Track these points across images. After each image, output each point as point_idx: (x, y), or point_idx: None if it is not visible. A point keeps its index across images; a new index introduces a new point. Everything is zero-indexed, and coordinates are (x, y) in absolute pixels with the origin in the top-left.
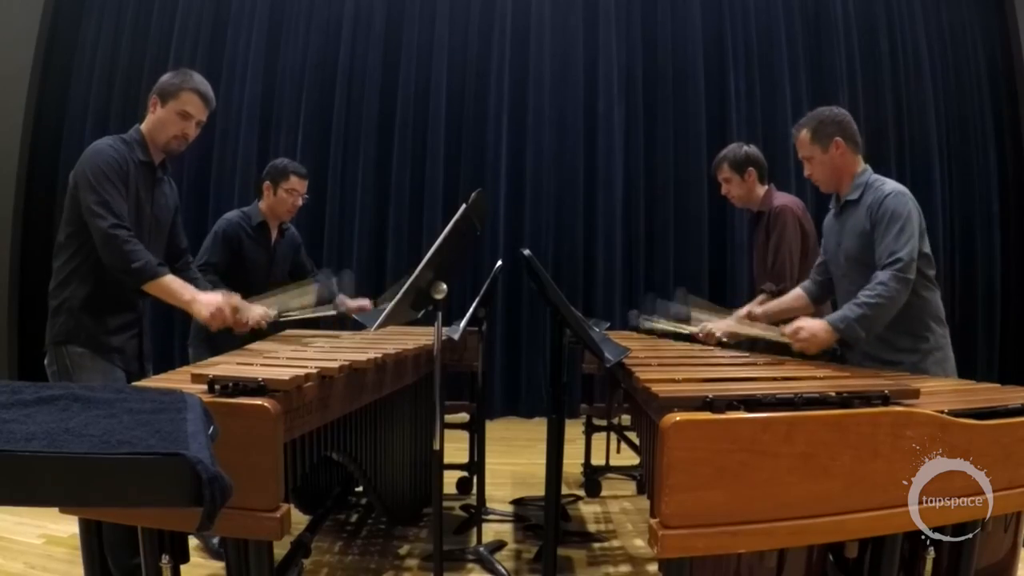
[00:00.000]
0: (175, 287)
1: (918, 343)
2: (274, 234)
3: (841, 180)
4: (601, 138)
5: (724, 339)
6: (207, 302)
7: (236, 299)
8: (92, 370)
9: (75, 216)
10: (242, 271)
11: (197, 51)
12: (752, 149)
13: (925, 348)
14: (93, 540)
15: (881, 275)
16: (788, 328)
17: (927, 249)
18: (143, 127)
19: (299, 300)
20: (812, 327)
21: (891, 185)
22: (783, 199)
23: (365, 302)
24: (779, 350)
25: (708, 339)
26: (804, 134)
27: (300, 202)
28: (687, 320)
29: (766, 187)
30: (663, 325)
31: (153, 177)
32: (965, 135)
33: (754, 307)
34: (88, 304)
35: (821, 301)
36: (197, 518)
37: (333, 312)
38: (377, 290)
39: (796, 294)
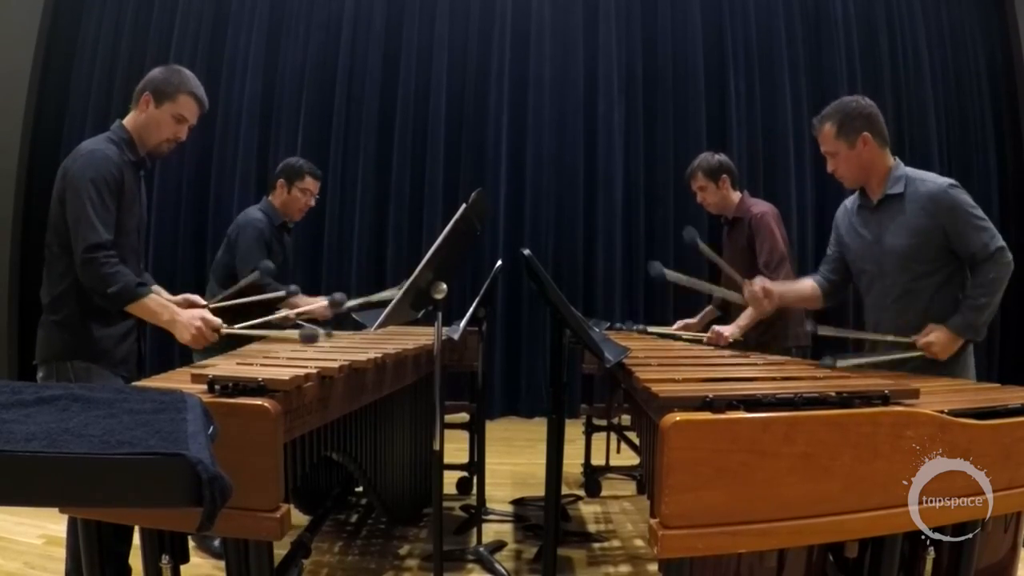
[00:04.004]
0: (153, 307)
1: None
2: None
3: (869, 176)
4: (601, 138)
5: (732, 340)
6: (186, 323)
7: (215, 320)
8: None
9: (65, 222)
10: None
11: (197, 50)
12: (722, 156)
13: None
14: (93, 540)
15: (986, 267)
16: (920, 339)
17: None
18: (129, 124)
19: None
20: (941, 336)
21: (942, 178)
22: (761, 206)
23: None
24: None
25: (718, 341)
26: (828, 128)
27: (312, 202)
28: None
29: (739, 193)
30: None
31: (138, 175)
32: (965, 135)
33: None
34: (91, 317)
35: (832, 301)
36: (197, 518)
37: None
38: (377, 290)
39: (810, 285)
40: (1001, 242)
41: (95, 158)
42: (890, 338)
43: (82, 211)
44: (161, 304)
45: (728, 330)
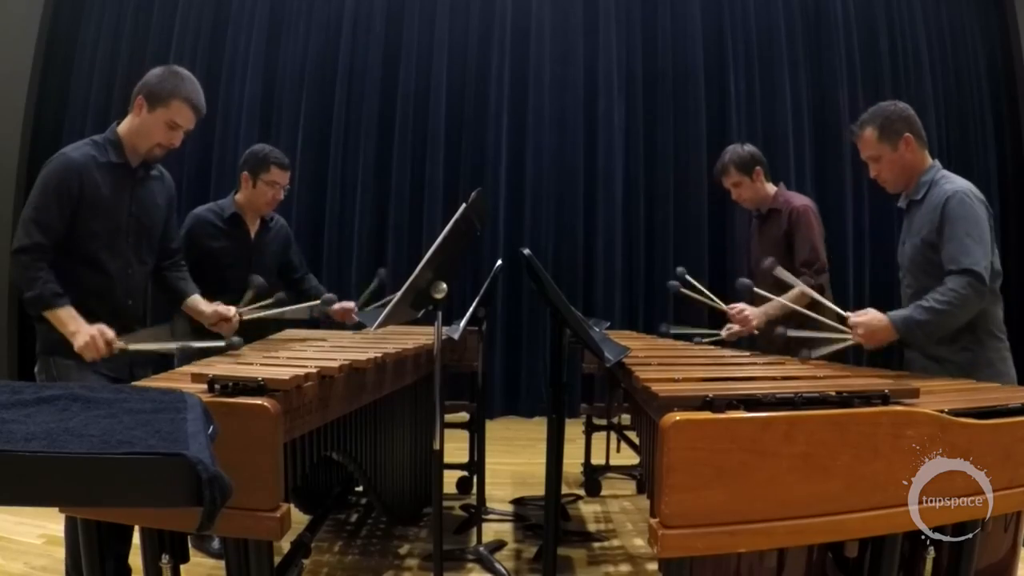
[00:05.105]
0: (63, 318)
1: (955, 353)
2: (254, 228)
3: (911, 179)
4: (601, 138)
5: (756, 330)
6: (84, 332)
7: (110, 333)
8: (79, 381)
9: None
10: (215, 268)
11: (197, 50)
12: (752, 147)
13: (960, 360)
14: (93, 540)
15: (953, 281)
16: (852, 317)
17: (996, 259)
18: (121, 129)
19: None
20: (871, 322)
21: (957, 184)
22: (801, 199)
23: (349, 304)
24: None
25: (745, 324)
26: (870, 132)
27: (281, 195)
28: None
29: (774, 185)
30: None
31: (132, 178)
32: (965, 135)
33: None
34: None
35: None
36: (197, 518)
37: (305, 316)
38: (377, 288)
39: None
40: (980, 278)
41: (57, 163)
42: (831, 318)
43: (26, 213)
44: (71, 316)
45: (754, 316)
